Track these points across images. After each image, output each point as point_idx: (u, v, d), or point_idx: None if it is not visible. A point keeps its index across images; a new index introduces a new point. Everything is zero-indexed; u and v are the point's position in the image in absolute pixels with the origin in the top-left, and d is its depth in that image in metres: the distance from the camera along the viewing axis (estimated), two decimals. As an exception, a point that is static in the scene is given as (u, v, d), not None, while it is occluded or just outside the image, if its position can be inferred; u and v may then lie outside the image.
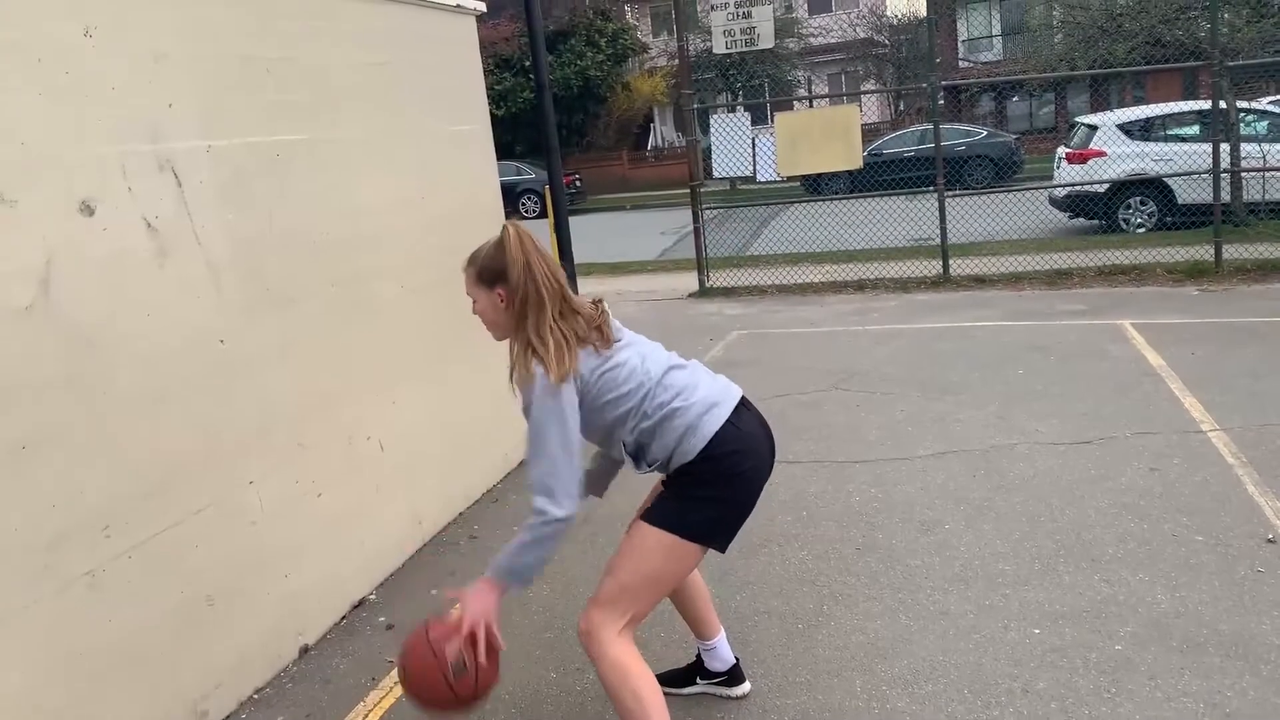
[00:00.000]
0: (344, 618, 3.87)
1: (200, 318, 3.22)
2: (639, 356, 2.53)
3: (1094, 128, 13.01)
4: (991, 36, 32.22)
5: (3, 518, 2.52)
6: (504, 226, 2.51)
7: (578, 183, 26.51)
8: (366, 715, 3.20)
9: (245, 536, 3.37)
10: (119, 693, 2.85)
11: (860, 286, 10.37)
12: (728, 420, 2.50)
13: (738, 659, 3.10)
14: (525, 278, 2.44)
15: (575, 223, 8.79)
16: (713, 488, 2.48)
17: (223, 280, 3.32)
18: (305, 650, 3.63)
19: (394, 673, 3.43)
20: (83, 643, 2.74)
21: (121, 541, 2.87)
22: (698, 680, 3.10)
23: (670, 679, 3.04)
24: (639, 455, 2.54)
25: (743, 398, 2.61)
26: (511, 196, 23.84)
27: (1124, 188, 12.41)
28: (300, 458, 3.65)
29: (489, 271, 2.51)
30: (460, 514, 4.83)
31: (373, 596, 4.04)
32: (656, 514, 2.53)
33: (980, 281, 9.96)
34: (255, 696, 3.37)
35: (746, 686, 3.10)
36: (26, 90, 2.65)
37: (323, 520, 3.76)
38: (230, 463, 3.31)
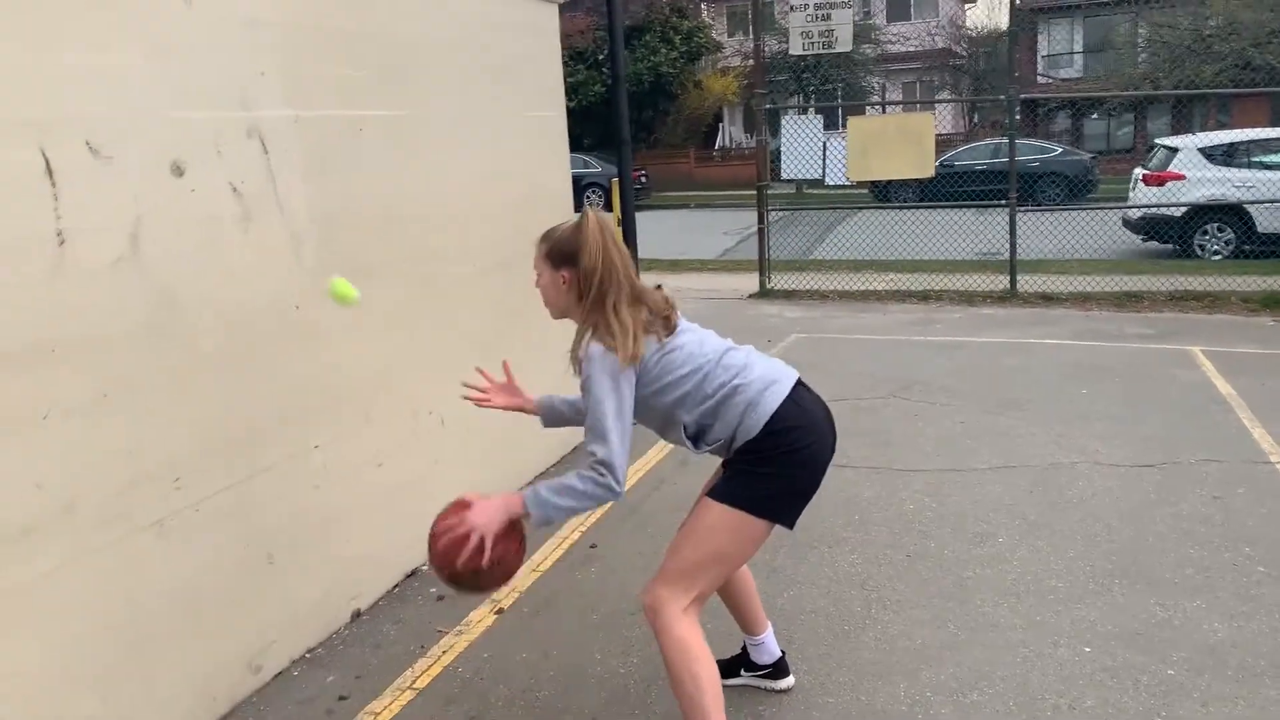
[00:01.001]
0: (396, 586, 3.95)
1: (278, 283, 3.30)
2: (696, 341, 2.59)
3: (1174, 150, 12.74)
4: (1073, 53, 31.67)
5: (82, 461, 2.61)
6: (584, 212, 2.58)
7: (643, 179, 26.55)
8: (414, 681, 3.26)
9: (308, 499, 3.45)
10: (179, 640, 2.94)
11: (924, 297, 10.27)
12: (788, 397, 2.53)
13: (783, 653, 3.11)
14: (604, 264, 2.50)
15: (638, 218, 8.81)
16: (777, 464, 2.51)
17: (302, 249, 3.40)
18: (357, 614, 3.71)
19: (442, 642, 3.50)
20: (148, 589, 2.83)
21: (191, 493, 2.96)
22: (742, 672, 3.12)
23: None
24: (699, 436, 2.57)
25: (800, 379, 2.63)
26: (577, 189, 23.90)
27: (1202, 212, 12.15)
28: (365, 427, 3.73)
29: (559, 252, 2.57)
30: (514, 494, 4.88)
31: (425, 568, 4.11)
32: (723, 491, 2.56)
33: (1047, 299, 9.82)
34: (308, 655, 3.45)
35: (790, 681, 3.11)
36: (130, 51, 2.74)
37: (382, 489, 3.84)
38: (298, 426, 3.40)
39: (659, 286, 2.65)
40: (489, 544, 2.45)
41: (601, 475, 2.41)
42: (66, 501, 2.57)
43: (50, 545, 2.53)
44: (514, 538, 2.54)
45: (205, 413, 3.01)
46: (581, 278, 2.52)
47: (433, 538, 2.53)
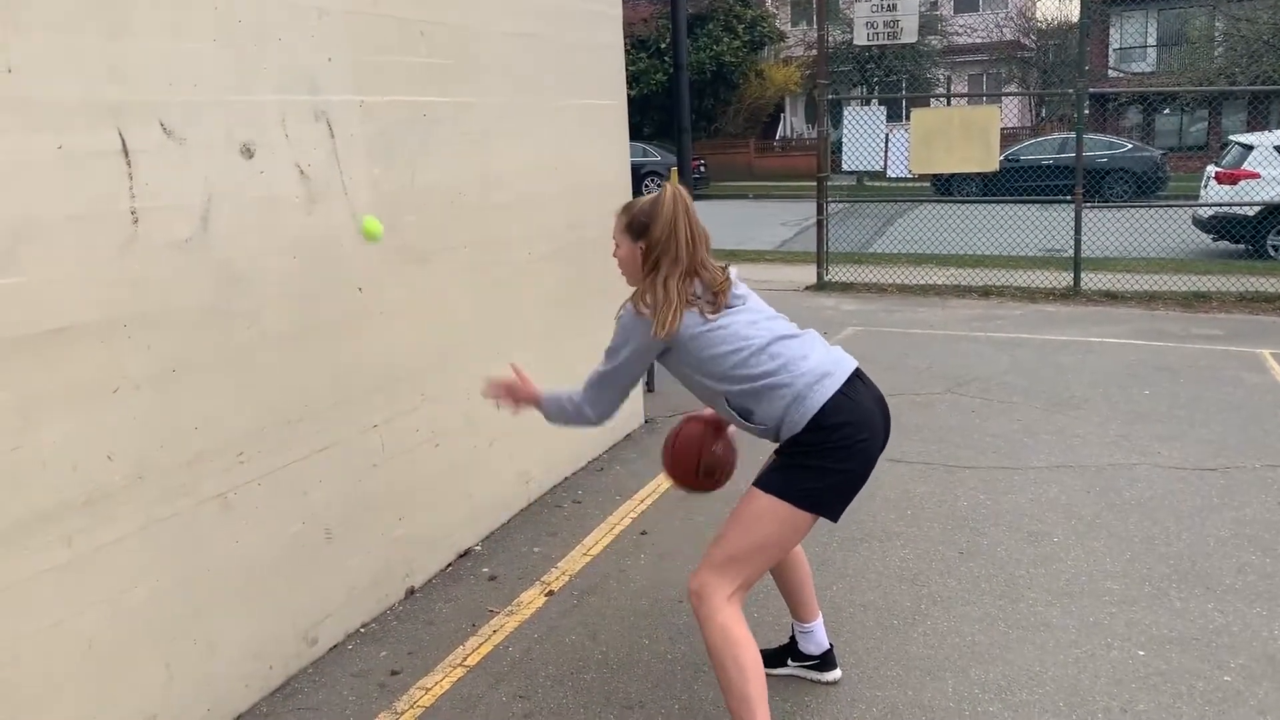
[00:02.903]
0: (449, 565, 4.01)
1: (342, 265, 3.37)
2: (747, 322, 2.59)
3: (1249, 147, 12.41)
4: (1146, 46, 30.91)
5: (152, 433, 2.69)
6: (664, 185, 2.65)
7: (702, 168, 26.47)
8: (466, 658, 3.32)
9: (366, 477, 3.52)
10: (238, 611, 3.02)
11: (985, 293, 10.14)
12: (839, 391, 2.51)
13: (831, 645, 3.11)
14: (668, 236, 2.58)
15: (696, 207, 8.78)
16: (824, 457, 2.49)
17: (364, 231, 3.46)
18: (411, 592, 3.78)
19: (493, 621, 3.55)
20: (210, 559, 2.91)
21: (253, 468, 3.04)
22: (789, 661, 3.13)
23: (762, 657, 3.06)
24: (745, 415, 2.59)
25: (857, 369, 2.61)
26: (636, 177, 23.85)
27: (1276, 212, 11.82)
28: (422, 407, 3.79)
29: (638, 224, 2.64)
30: (565, 478, 4.94)
31: (478, 548, 4.18)
32: (769, 481, 2.56)
33: (1112, 297, 9.64)
34: (362, 630, 3.53)
35: (837, 674, 3.11)
36: (203, 36, 2.81)
37: (438, 469, 3.90)
38: (358, 405, 3.46)
39: (725, 267, 2.67)
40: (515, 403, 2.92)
41: (580, 396, 2.74)
42: (136, 472, 2.65)
43: (121, 514, 2.61)
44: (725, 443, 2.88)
45: (268, 390, 3.09)
46: (649, 248, 2.59)
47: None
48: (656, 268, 2.58)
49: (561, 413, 2.80)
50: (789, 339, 2.60)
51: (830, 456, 2.50)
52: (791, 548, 2.70)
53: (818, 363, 2.55)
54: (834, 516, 2.58)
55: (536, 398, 2.85)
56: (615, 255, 2.73)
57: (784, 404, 2.50)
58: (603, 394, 2.71)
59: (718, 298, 2.58)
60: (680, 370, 2.65)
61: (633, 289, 2.68)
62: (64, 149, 2.43)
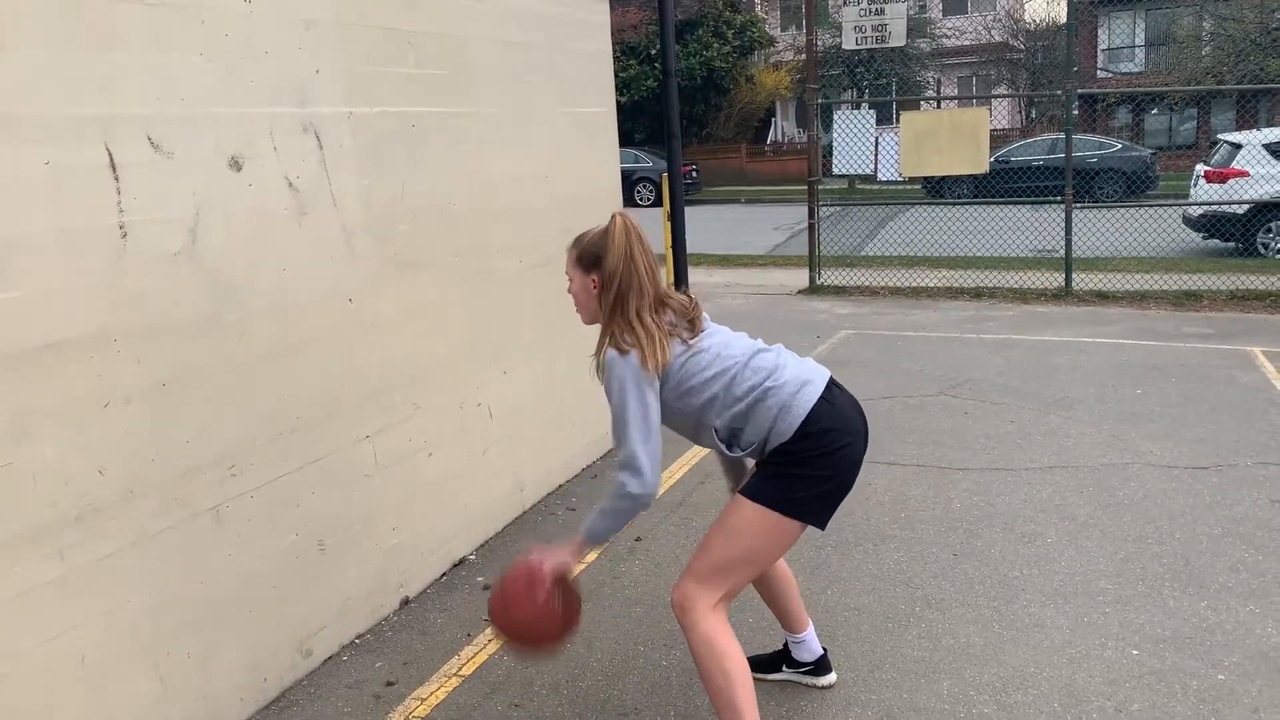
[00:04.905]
0: (444, 575, 4.01)
1: (332, 276, 3.37)
2: (722, 343, 2.57)
3: (1238, 146, 12.46)
4: (1134, 47, 31.03)
5: (143, 447, 2.69)
6: (612, 216, 2.59)
7: (694, 173, 26.48)
8: (461, 668, 3.32)
9: (359, 488, 3.52)
10: (232, 623, 3.02)
11: (977, 294, 10.16)
12: (821, 397, 2.51)
13: (825, 650, 3.11)
14: (625, 268, 2.52)
15: (688, 213, 8.78)
16: (811, 465, 2.49)
17: (355, 242, 3.46)
18: (406, 602, 3.78)
19: (488, 630, 3.55)
20: (204, 572, 2.91)
21: (246, 481, 3.03)
22: (784, 668, 3.13)
23: (757, 664, 3.07)
24: (732, 440, 2.56)
25: (831, 377, 2.61)
26: (627, 184, 23.92)
27: (1265, 210, 11.87)
28: (415, 417, 3.79)
29: (588, 256, 2.59)
30: (560, 486, 4.93)
31: (472, 557, 4.18)
32: (755, 490, 2.55)
33: (1103, 297, 9.66)
34: (357, 641, 3.52)
35: (832, 677, 3.11)
36: (190, 50, 2.82)
37: (431, 479, 3.90)
38: (350, 417, 3.46)
39: (687, 292, 2.66)
40: (547, 569, 2.54)
41: (622, 485, 2.45)
42: (127, 487, 2.65)
43: (112, 529, 2.61)
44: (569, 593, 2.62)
45: (260, 403, 3.09)
46: (606, 282, 2.54)
47: (506, 597, 2.58)
48: (623, 304, 2.51)
49: (606, 519, 2.52)
50: (764, 352, 2.60)
51: (816, 464, 2.49)
52: (778, 557, 2.68)
53: (796, 372, 2.55)
54: (821, 524, 2.58)
55: (574, 548, 2.59)
56: (570, 290, 2.66)
57: (771, 415, 2.48)
58: (635, 446, 2.43)
59: (694, 323, 2.57)
60: (666, 404, 2.56)
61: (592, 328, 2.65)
62: (51, 164, 2.43)
